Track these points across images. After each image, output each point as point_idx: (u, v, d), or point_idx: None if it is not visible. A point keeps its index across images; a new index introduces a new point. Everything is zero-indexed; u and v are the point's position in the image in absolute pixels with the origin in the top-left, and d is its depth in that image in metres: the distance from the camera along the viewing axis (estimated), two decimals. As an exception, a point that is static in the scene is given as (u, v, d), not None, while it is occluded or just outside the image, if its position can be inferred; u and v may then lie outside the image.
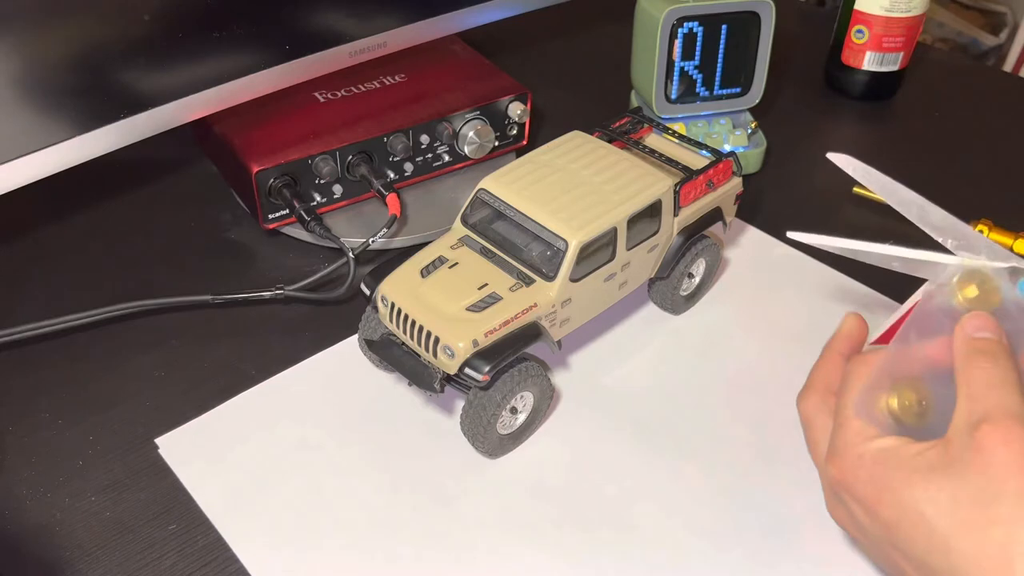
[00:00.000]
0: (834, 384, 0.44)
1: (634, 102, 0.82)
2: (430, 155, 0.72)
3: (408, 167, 0.72)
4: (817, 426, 0.44)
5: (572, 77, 0.93)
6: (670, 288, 0.62)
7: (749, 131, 0.78)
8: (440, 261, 0.54)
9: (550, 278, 0.53)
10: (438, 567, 0.49)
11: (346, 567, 0.49)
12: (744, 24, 0.73)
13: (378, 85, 0.73)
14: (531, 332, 0.52)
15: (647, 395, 0.59)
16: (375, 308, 0.55)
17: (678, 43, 0.73)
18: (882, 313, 0.65)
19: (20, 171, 0.55)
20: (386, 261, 0.56)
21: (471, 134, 0.72)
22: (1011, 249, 0.70)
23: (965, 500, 0.35)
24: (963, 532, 0.35)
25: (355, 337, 0.61)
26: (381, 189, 0.67)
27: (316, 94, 0.72)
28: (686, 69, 0.74)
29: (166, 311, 0.63)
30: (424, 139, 0.71)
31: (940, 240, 0.44)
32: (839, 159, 0.46)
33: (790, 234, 0.46)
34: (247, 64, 0.62)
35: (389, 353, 0.54)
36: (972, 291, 0.43)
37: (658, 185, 0.57)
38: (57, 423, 0.56)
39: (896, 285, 0.68)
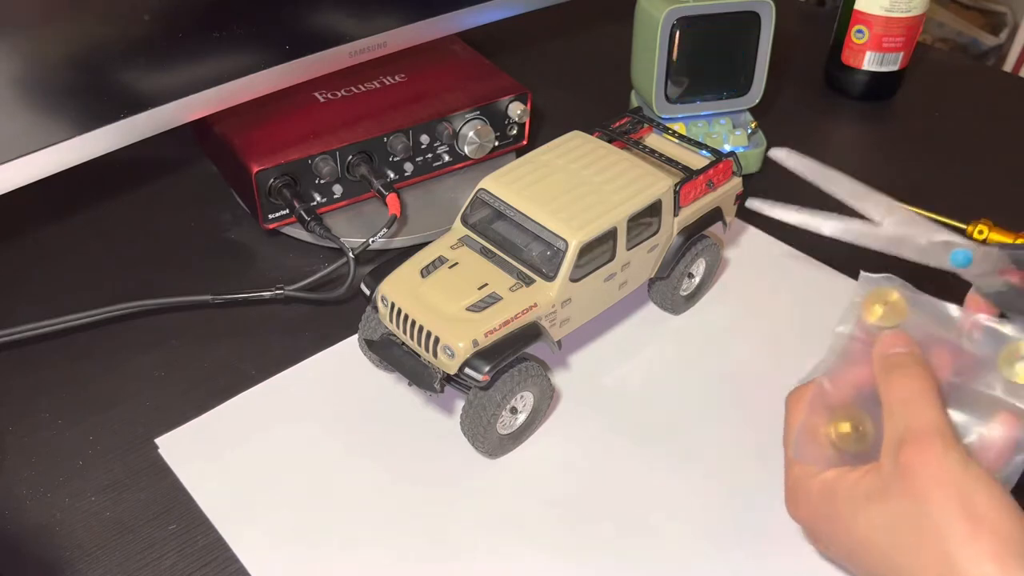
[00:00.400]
0: None
1: (634, 102, 0.82)
2: (430, 155, 0.72)
3: (408, 167, 0.72)
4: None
5: (572, 77, 0.93)
6: (670, 288, 0.62)
7: (749, 131, 0.78)
8: (440, 261, 0.54)
9: (550, 278, 0.53)
10: (438, 567, 0.49)
11: (346, 567, 0.49)
12: (744, 24, 0.73)
13: (378, 85, 0.73)
14: (531, 332, 0.52)
15: (647, 395, 0.59)
16: (375, 308, 0.55)
17: (678, 43, 0.73)
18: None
19: (20, 171, 0.55)
20: (386, 261, 0.56)
21: (471, 134, 0.72)
22: (1013, 245, 0.70)
23: (900, 522, 0.38)
24: (904, 553, 0.37)
25: (355, 337, 0.61)
26: (381, 189, 0.67)
27: (316, 94, 0.72)
28: (686, 69, 0.74)
29: (166, 311, 0.63)
30: (424, 139, 0.71)
31: (878, 219, 0.45)
32: (779, 153, 0.47)
33: (749, 203, 0.48)
34: (247, 64, 0.62)
35: (389, 353, 0.54)
36: (878, 310, 0.45)
37: (658, 185, 0.57)
38: (57, 423, 0.56)
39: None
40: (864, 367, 0.43)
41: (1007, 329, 0.42)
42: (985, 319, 0.43)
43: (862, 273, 0.46)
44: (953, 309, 0.44)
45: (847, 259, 0.70)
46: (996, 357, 0.42)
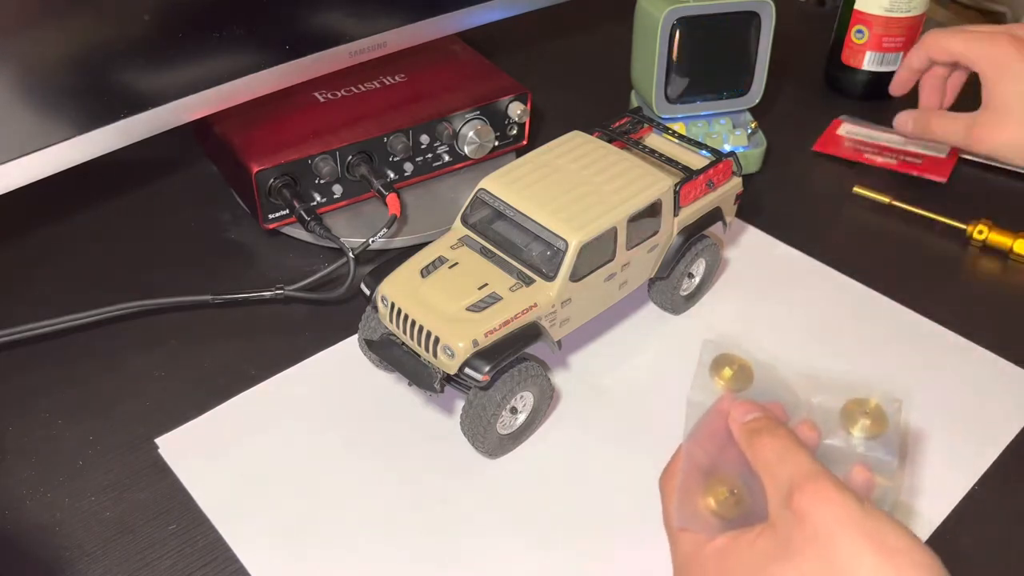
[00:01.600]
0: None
1: (634, 102, 0.82)
2: (430, 155, 0.72)
3: (408, 167, 0.72)
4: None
5: (572, 77, 0.93)
6: (670, 288, 0.62)
7: (749, 131, 0.78)
8: (440, 261, 0.54)
9: (550, 278, 0.53)
10: (438, 567, 0.49)
11: (346, 567, 0.49)
12: (744, 24, 0.73)
13: (378, 85, 0.73)
14: (531, 332, 0.52)
15: (647, 395, 0.59)
16: (375, 308, 0.55)
17: (678, 43, 0.73)
18: (882, 312, 0.65)
19: (20, 171, 0.55)
20: (386, 261, 0.56)
21: (471, 134, 0.72)
22: (1011, 250, 0.70)
23: (811, 573, 0.36)
24: None
25: (355, 337, 0.61)
26: (381, 189, 0.67)
27: (316, 94, 0.72)
28: (686, 69, 0.74)
29: (166, 311, 0.63)
30: (424, 139, 0.71)
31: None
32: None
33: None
34: (247, 64, 0.62)
35: (389, 353, 0.54)
36: (727, 373, 0.46)
37: (658, 185, 0.57)
38: (57, 423, 0.56)
39: (896, 285, 0.68)
40: (723, 432, 0.43)
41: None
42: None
43: (704, 339, 0.47)
44: (793, 376, 0.45)
45: (847, 259, 0.70)
46: (837, 415, 0.44)
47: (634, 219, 0.56)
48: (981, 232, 0.71)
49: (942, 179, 0.78)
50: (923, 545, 0.35)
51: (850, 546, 0.35)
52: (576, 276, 0.54)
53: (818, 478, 0.37)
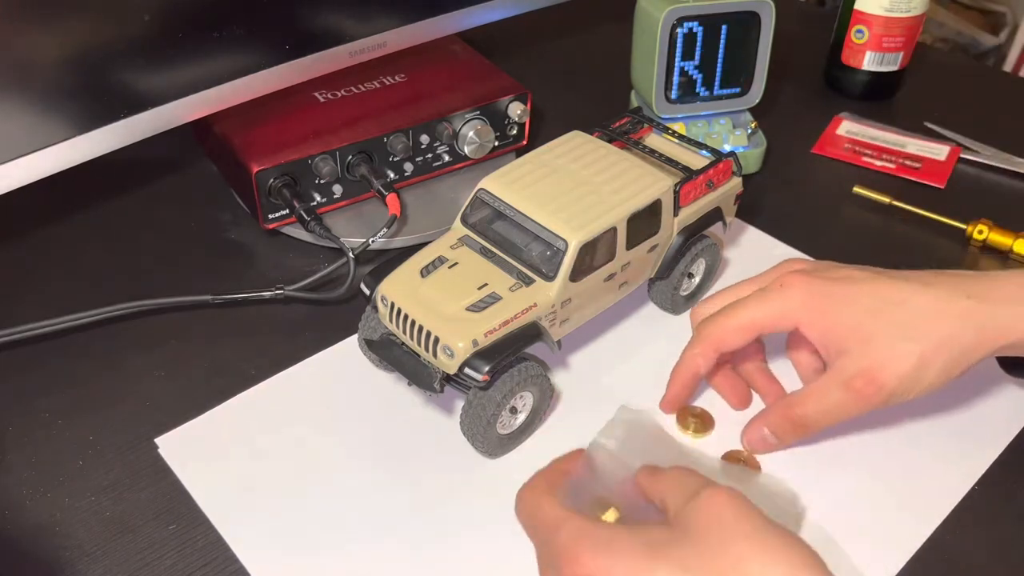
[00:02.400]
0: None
1: (634, 102, 0.82)
2: (430, 155, 0.72)
3: (408, 167, 0.72)
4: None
5: (572, 77, 0.93)
6: (670, 288, 0.62)
7: (749, 131, 0.78)
8: (440, 261, 0.54)
9: (550, 278, 0.53)
10: (437, 567, 0.49)
11: (346, 566, 0.49)
12: (744, 24, 0.73)
13: (378, 85, 0.73)
14: (531, 332, 0.52)
15: (647, 395, 0.59)
16: (375, 308, 0.55)
17: (678, 43, 0.73)
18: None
19: (20, 171, 0.55)
20: (386, 261, 0.56)
21: (471, 134, 0.72)
22: (1011, 250, 0.70)
23: (697, 562, 0.36)
24: None
25: (355, 337, 0.61)
26: (381, 189, 0.67)
27: (316, 94, 0.72)
28: (686, 69, 0.74)
29: (166, 311, 0.63)
30: (424, 139, 0.71)
31: None
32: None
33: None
34: (247, 64, 0.62)
35: (389, 353, 0.54)
36: (691, 423, 0.56)
37: (658, 185, 0.57)
38: (57, 423, 0.56)
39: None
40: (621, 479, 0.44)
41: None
42: None
43: (622, 407, 0.49)
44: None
45: (847, 259, 0.70)
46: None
47: (634, 219, 0.56)
48: (981, 232, 0.71)
49: (940, 184, 0.78)
50: (806, 544, 0.38)
51: (745, 535, 0.37)
52: (576, 276, 0.54)
53: (721, 485, 0.39)
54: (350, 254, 0.63)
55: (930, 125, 0.86)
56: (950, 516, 0.52)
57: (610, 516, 0.43)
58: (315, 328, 0.63)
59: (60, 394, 0.58)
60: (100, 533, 0.50)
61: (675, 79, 0.75)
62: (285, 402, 0.58)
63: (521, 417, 0.54)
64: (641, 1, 0.75)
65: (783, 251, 0.71)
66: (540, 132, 0.82)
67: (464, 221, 0.57)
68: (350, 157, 0.68)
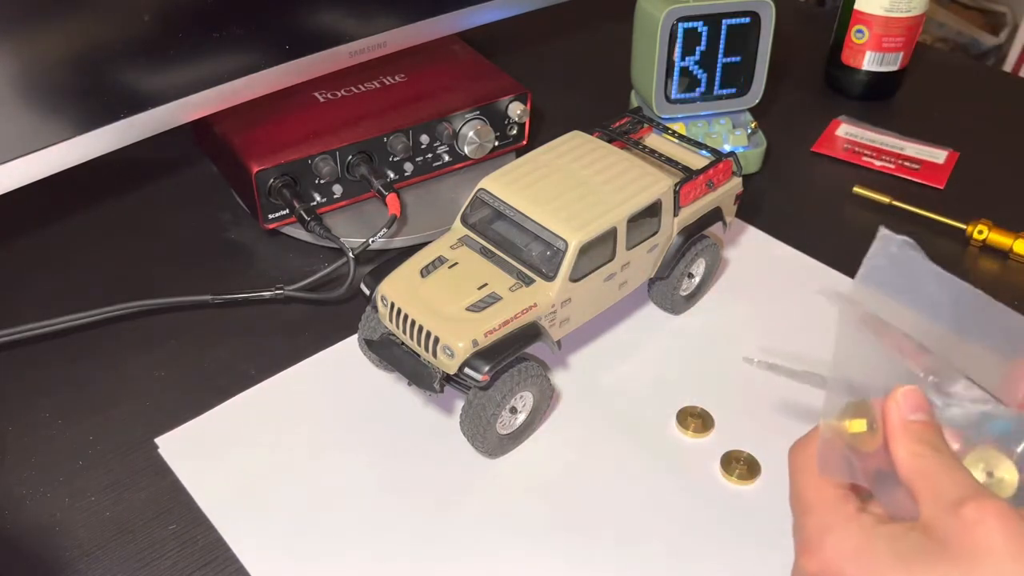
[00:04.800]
0: None
1: (634, 102, 0.82)
2: (430, 155, 0.72)
3: (408, 167, 0.72)
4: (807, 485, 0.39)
5: (572, 77, 0.93)
6: (670, 288, 0.62)
7: (749, 131, 0.78)
8: (440, 261, 0.54)
9: (550, 278, 0.53)
10: (438, 567, 0.49)
11: (345, 566, 0.49)
12: (744, 24, 0.73)
13: (378, 85, 0.73)
14: (531, 332, 0.52)
15: (647, 395, 0.59)
16: (375, 308, 0.55)
17: (678, 43, 0.73)
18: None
19: (20, 171, 0.55)
20: (386, 261, 0.56)
21: (471, 134, 0.72)
22: (1011, 250, 0.70)
23: None
24: None
25: (355, 337, 0.61)
26: (381, 189, 0.67)
27: (316, 94, 0.72)
28: (686, 69, 0.74)
29: (166, 311, 0.63)
30: (424, 139, 0.71)
31: (922, 374, 0.41)
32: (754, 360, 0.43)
33: (745, 359, 0.44)
34: (247, 64, 0.62)
35: (389, 353, 0.54)
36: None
37: (658, 185, 0.57)
38: (57, 423, 0.56)
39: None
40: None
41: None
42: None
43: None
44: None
45: (847, 259, 0.70)
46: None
47: (634, 219, 0.56)
48: (981, 232, 0.71)
49: (939, 185, 0.78)
50: None
51: (1013, 561, 0.33)
52: (576, 276, 0.54)
53: (989, 496, 0.35)
54: (350, 254, 0.63)
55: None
56: None
57: (859, 426, 0.38)
58: (315, 328, 0.63)
59: (60, 394, 0.58)
60: (100, 533, 0.50)
61: (675, 79, 0.75)
62: (285, 402, 0.58)
63: (521, 417, 0.54)
64: (641, 1, 0.75)
65: (783, 251, 0.71)
66: (540, 132, 0.82)
67: (464, 221, 0.57)
68: (350, 157, 0.68)
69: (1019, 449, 0.37)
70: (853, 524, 0.36)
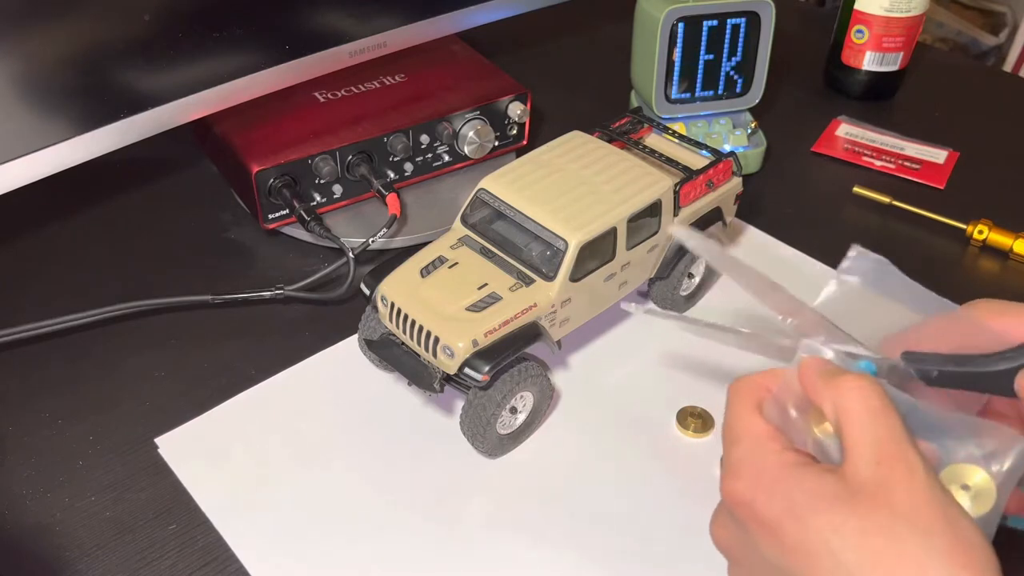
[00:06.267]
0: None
1: (634, 102, 0.82)
2: (430, 155, 0.72)
3: (408, 167, 0.72)
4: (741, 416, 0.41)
5: (572, 77, 0.93)
6: (670, 288, 0.62)
7: (749, 131, 0.78)
8: (440, 261, 0.54)
9: (550, 278, 0.53)
10: (437, 567, 0.49)
11: (345, 566, 0.49)
12: (744, 24, 0.73)
13: (378, 85, 0.73)
14: (531, 332, 0.52)
15: (647, 395, 0.59)
16: (375, 308, 0.55)
17: (678, 43, 0.73)
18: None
19: (20, 171, 0.55)
20: (386, 261, 0.56)
21: (471, 134, 0.72)
22: (1011, 250, 0.70)
23: (873, 534, 0.34)
24: (870, 567, 0.34)
25: (355, 337, 0.61)
26: (381, 189, 0.67)
27: (316, 94, 0.72)
28: (686, 69, 0.74)
29: (166, 311, 0.63)
30: (424, 139, 0.71)
31: (780, 318, 0.43)
32: (680, 233, 0.45)
33: (624, 306, 0.46)
34: (247, 64, 0.62)
35: (389, 353, 0.54)
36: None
37: (658, 185, 0.57)
38: (57, 423, 0.56)
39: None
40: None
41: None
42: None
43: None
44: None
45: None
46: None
47: (634, 219, 0.56)
48: (981, 232, 0.71)
49: (940, 185, 0.78)
50: (991, 546, 0.34)
51: (922, 532, 0.34)
52: (576, 276, 0.54)
53: (913, 454, 0.35)
54: (350, 254, 0.63)
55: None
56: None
57: (829, 429, 0.38)
58: (315, 328, 0.63)
59: (60, 394, 0.58)
60: (100, 533, 0.50)
61: (675, 79, 0.75)
62: (285, 402, 0.58)
63: (521, 417, 0.54)
64: (641, 1, 0.75)
65: (783, 251, 0.71)
66: (540, 132, 0.82)
67: (464, 221, 0.57)
68: (350, 157, 0.68)
69: (995, 468, 0.37)
70: (772, 458, 0.38)
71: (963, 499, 0.37)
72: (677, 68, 0.74)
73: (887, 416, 0.36)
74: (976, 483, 0.37)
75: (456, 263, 0.54)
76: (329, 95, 0.72)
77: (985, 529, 0.36)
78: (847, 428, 0.37)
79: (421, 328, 0.51)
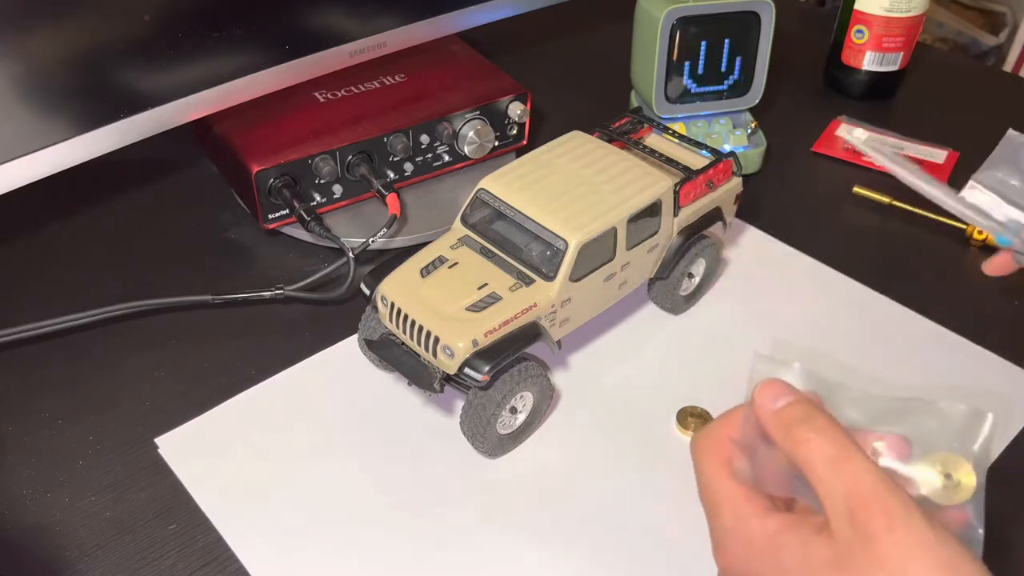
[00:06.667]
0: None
1: (634, 102, 0.82)
2: (430, 155, 0.72)
3: (408, 167, 0.72)
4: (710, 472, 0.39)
5: (572, 77, 0.93)
6: (670, 288, 0.62)
7: (749, 131, 0.78)
8: (440, 261, 0.54)
9: (550, 278, 0.53)
10: (437, 566, 0.49)
11: (345, 566, 0.49)
12: (744, 24, 0.73)
13: (378, 85, 0.73)
14: (531, 332, 0.52)
15: (647, 395, 0.59)
16: (375, 308, 0.55)
17: (678, 43, 0.73)
18: (882, 312, 0.65)
19: (20, 171, 0.55)
20: (386, 261, 0.56)
21: (471, 134, 0.72)
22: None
23: None
24: None
25: (355, 337, 0.61)
26: (381, 189, 0.67)
27: (316, 94, 0.72)
28: (686, 69, 0.74)
29: (166, 311, 0.63)
30: (424, 139, 0.71)
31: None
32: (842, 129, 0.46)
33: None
34: (247, 64, 0.62)
35: (389, 353, 0.54)
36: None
37: (658, 185, 0.57)
38: (57, 423, 0.56)
39: (896, 285, 0.68)
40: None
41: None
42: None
43: (755, 352, 0.41)
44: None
45: (847, 259, 0.70)
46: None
47: (634, 219, 0.56)
48: (981, 232, 0.71)
49: (940, 184, 0.78)
50: (982, 564, 0.34)
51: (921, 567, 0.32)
52: (576, 276, 0.54)
53: (884, 497, 0.34)
54: (350, 254, 0.63)
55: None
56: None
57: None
58: (315, 328, 0.63)
59: (60, 394, 0.58)
60: (100, 533, 0.50)
61: (675, 79, 0.75)
62: (285, 402, 0.58)
63: (521, 417, 0.54)
64: (641, 1, 0.75)
65: (783, 251, 0.71)
66: (540, 132, 0.82)
67: (464, 221, 0.57)
68: (350, 157, 0.68)
69: (975, 448, 0.37)
70: (756, 526, 0.37)
71: (948, 490, 0.36)
72: (677, 68, 0.74)
73: (849, 461, 0.35)
74: (957, 472, 0.37)
75: (456, 263, 0.54)
76: (329, 95, 0.72)
77: (975, 513, 0.36)
78: (813, 482, 0.36)
79: (421, 328, 0.51)
